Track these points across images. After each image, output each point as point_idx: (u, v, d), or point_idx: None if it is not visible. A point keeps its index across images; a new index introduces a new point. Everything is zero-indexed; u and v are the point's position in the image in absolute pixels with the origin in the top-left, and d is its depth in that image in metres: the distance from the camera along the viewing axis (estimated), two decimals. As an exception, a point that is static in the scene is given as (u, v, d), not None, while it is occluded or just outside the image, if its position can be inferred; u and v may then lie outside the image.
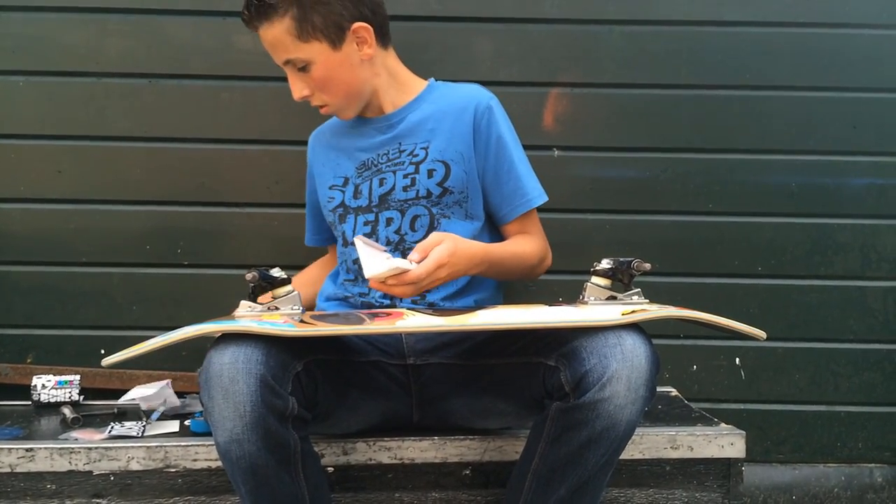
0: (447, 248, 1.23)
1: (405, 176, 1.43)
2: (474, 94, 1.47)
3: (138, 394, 1.54)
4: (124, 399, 1.48)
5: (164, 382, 1.58)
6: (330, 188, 1.50)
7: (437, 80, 1.53)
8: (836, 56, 1.89)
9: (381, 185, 1.44)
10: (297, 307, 1.23)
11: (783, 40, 1.88)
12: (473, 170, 1.43)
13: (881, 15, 1.88)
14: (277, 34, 1.36)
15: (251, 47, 1.85)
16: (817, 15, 1.88)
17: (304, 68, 1.39)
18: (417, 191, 1.42)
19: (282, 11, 1.34)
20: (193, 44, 1.85)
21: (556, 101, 1.88)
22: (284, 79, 1.82)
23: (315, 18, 1.35)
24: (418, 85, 1.51)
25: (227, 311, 1.27)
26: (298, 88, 1.41)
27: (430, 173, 1.42)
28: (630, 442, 1.17)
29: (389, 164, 1.45)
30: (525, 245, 1.46)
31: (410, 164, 1.43)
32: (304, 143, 1.63)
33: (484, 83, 1.53)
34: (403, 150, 1.45)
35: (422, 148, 1.44)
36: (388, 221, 1.42)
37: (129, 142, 1.85)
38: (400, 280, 1.18)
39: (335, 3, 1.36)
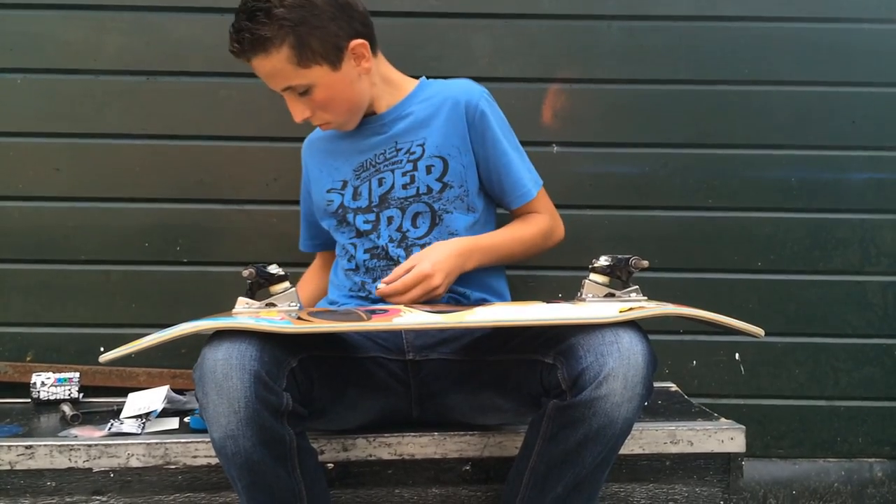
0: (416, 254, 1.35)
1: (404, 174, 1.43)
2: (466, 88, 1.47)
3: (135, 407, 1.52)
4: (124, 415, 1.47)
5: (162, 389, 1.57)
6: (328, 192, 1.50)
7: (428, 79, 1.53)
8: (834, 50, 1.88)
9: (380, 184, 1.44)
10: (294, 304, 1.23)
11: (781, 35, 1.88)
12: (471, 163, 1.45)
13: (879, 9, 1.88)
14: (276, 64, 1.33)
15: (249, 44, 1.85)
16: (815, 9, 1.88)
17: (305, 92, 1.37)
18: (417, 188, 1.42)
19: (278, 42, 1.31)
20: (192, 41, 1.85)
21: (554, 96, 1.88)
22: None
23: (313, 43, 1.33)
24: (409, 84, 1.51)
25: (226, 308, 1.27)
26: (300, 111, 1.39)
27: (428, 169, 1.43)
28: (630, 437, 1.17)
29: (387, 163, 1.45)
30: (524, 227, 1.50)
31: (408, 161, 1.44)
32: (303, 139, 1.62)
33: (482, 79, 1.53)
34: (400, 149, 1.45)
35: (418, 145, 1.44)
36: (389, 220, 1.43)
37: (128, 139, 1.85)
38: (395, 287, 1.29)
39: (330, 24, 1.34)
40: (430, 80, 1.53)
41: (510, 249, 1.46)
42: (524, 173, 1.48)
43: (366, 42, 1.39)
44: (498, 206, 1.54)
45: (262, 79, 1.39)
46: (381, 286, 1.30)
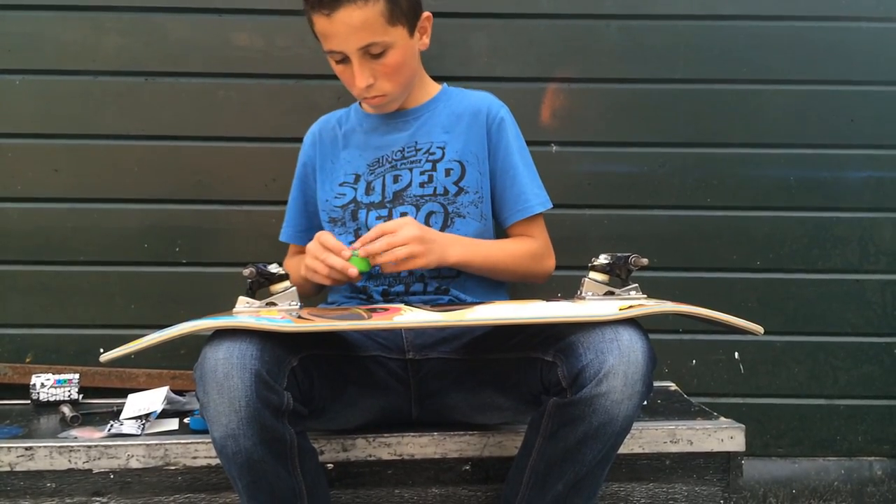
0: (394, 219, 1.33)
1: (422, 173, 1.44)
2: (488, 100, 1.51)
3: (135, 408, 1.52)
4: (124, 416, 1.47)
5: (162, 390, 1.57)
6: (340, 185, 1.49)
7: (449, 86, 1.56)
8: (833, 49, 1.89)
9: (395, 181, 1.45)
10: (294, 303, 1.23)
11: (780, 34, 1.88)
12: (487, 172, 1.47)
13: (878, 8, 1.88)
14: (369, 16, 1.32)
15: (248, 44, 1.85)
16: (814, 8, 1.88)
17: (380, 54, 1.36)
18: (435, 188, 1.43)
19: None
20: (190, 41, 1.85)
21: (553, 96, 1.88)
22: (281, 76, 1.85)
23: (403, 2, 1.36)
24: (434, 87, 1.54)
25: (225, 308, 1.27)
26: (366, 77, 1.37)
27: (447, 172, 1.44)
28: (630, 436, 1.17)
29: (405, 161, 1.46)
30: (513, 242, 1.49)
31: (427, 161, 1.45)
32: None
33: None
34: (420, 149, 1.46)
35: (439, 147, 1.46)
36: (403, 217, 1.42)
37: (126, 140, 1.85)
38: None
39: None
40: (453, 87, 1.56)
41: (497, 256, 1.43)
42: (531, 188, 1.48)
43: (431, 17, 1.44)
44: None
45: (342, 34, 1.33)
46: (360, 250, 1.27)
